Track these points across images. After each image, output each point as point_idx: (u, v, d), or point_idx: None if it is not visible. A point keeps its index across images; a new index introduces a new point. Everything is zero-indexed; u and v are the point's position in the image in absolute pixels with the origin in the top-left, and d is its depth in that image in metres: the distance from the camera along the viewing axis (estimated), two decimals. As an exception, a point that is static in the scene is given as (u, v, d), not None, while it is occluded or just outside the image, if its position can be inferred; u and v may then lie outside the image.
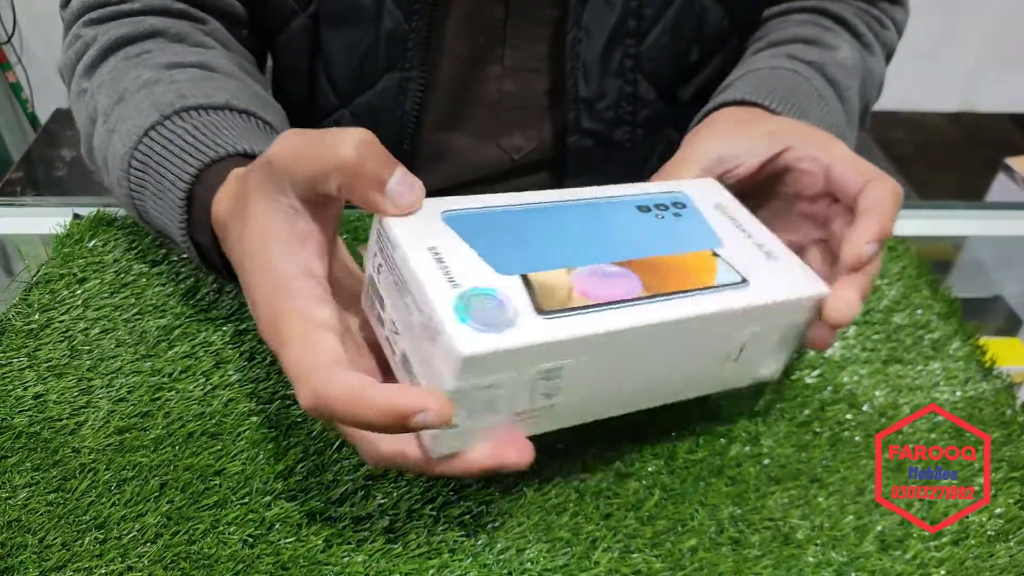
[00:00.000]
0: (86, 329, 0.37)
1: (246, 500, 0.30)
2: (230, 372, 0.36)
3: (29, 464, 0.31)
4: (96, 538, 0.29)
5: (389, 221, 0.26)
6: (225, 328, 0.38)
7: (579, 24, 0.44)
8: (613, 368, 0.27)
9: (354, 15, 0.45)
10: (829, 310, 0.30)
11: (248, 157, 0.33)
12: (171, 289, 0.40)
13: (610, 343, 0.25)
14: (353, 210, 0.46)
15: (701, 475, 0.33)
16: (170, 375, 0.35)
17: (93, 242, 0.42)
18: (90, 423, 0.33)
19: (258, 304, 0.26)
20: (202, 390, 0.35)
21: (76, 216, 0.45)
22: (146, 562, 0.28)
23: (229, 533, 0.29)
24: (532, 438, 0.27)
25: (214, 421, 0.33)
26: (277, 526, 0.30)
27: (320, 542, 0.29)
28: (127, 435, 0.33)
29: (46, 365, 0.35)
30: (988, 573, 0.30)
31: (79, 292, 0.39)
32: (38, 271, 0.41)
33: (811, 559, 0.30)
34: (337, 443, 0.33)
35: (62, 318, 0.38)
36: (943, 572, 0.30)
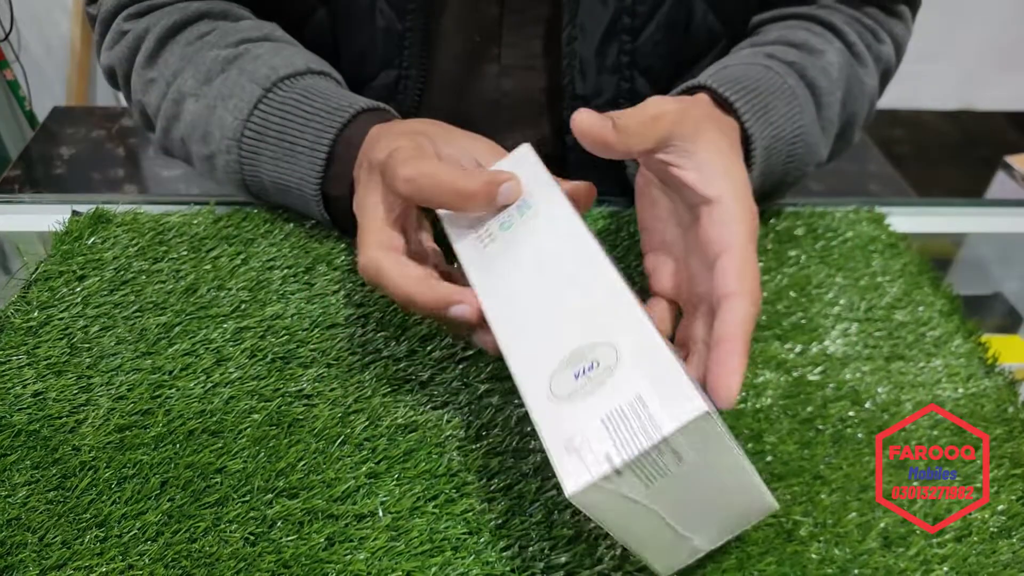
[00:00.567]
0: (85, 327, 0.37)
1: (247, 498, 0.30)
2: (231, 370, 0.35)
3: (29, 462, 0.31)
4: (96, 536, 0.29)
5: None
6: (226, 325, 0.37)
7: (574, 21, 0.44)
8: None
9: (352, 12, 0.45)
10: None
11: (369, 111, 0.40)
12: (171, 286, 0.39)
13: None
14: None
15: (704, 472, 0.33)
16: (170, 373, 0.35)
17: (92, 239, 0.42)
18: (90, 421, 0.33)
19: (387, 146, 0.33)
20: (203, 388, 0.35)
21: (75, 213, 0.45)
22: (147, 560, 0.28)
23: (230, 531, 0.29)
24: (530, 438, 0.27)
25: (215, 419, 0.33)
26: (279, 524, 0.30)
27: (322, 540, 0.29)
28: (127, 433, 0.32)
29: (45, 363, 0.35)
30: (991, 570, 0.30)
31: (78, 289, 0.39)
32: (37, 268, 0.41)
33: (814, 556, 0.30)
34: (339, 440, 0.33)
35: (61, 315, 0.38)
36: (946, 569, 0.30)
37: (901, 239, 0.48)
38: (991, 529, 0.32)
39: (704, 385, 0.27)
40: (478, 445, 0.33)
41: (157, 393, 0.34)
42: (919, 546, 0.31)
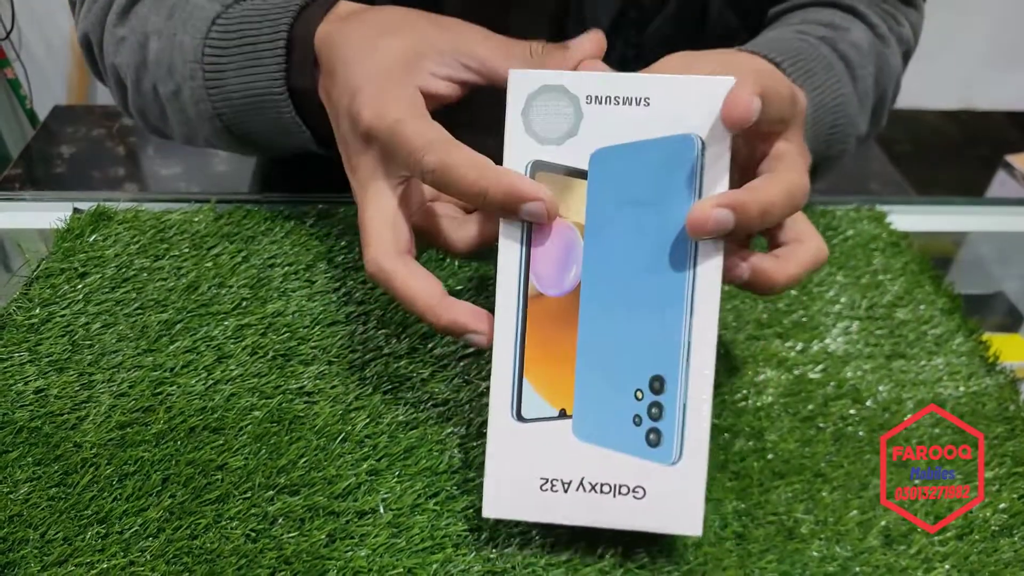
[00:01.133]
0: (87, 324, 0.37)
1: (248, 495, 0.30)
2: (232, 367, 0.35)
3: (30, 459, 0.31)
4: (98, 533, 0.29)
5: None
6: (227, 323, 0.37)
7: (580, 14, 0.44)
8: None
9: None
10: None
11: None
12: (172, 284, 0.39)
13: None
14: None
15: (705, 470, 0.33)
16: (172, 370, 0.35)
17: (94, 237, 0.42)
18: (91, 418, 0.33)
19: (363, 87, 0.29)
20: (204, 385, 0.35)
21: (76, 211, 0.45)
22: (148, 557, 0.28)
23: (231, 528, 0.29)
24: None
25: (216, 416, 0.33)
26: (280, 521, 0.30)
27: (323, 537, 0.29)
28: (129, 430, 0.32)
29: (47, 360, 0.35)
30: (992, 568, 0.30)
31: (80, 287, 0.39)
32: (38, 266, 0.41)
33: (815, 554, 0.30)
34: (340, 437, 0.33)
35: (63, 313, 0.38)
36: (947, 567, 0.30)
37: (902, 237, 0.48)
38: (992, 527, 0.32)
39: None
40: (479, 442, 0.33)
41: (158, 390, 0.34)
42: (920, 544, 0.31)
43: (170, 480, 0.31)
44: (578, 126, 0.26)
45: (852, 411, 0.36)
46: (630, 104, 0.26)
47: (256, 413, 0.33)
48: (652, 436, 0.27)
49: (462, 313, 0.28)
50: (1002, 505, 0.33)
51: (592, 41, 0.30)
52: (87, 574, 0.28)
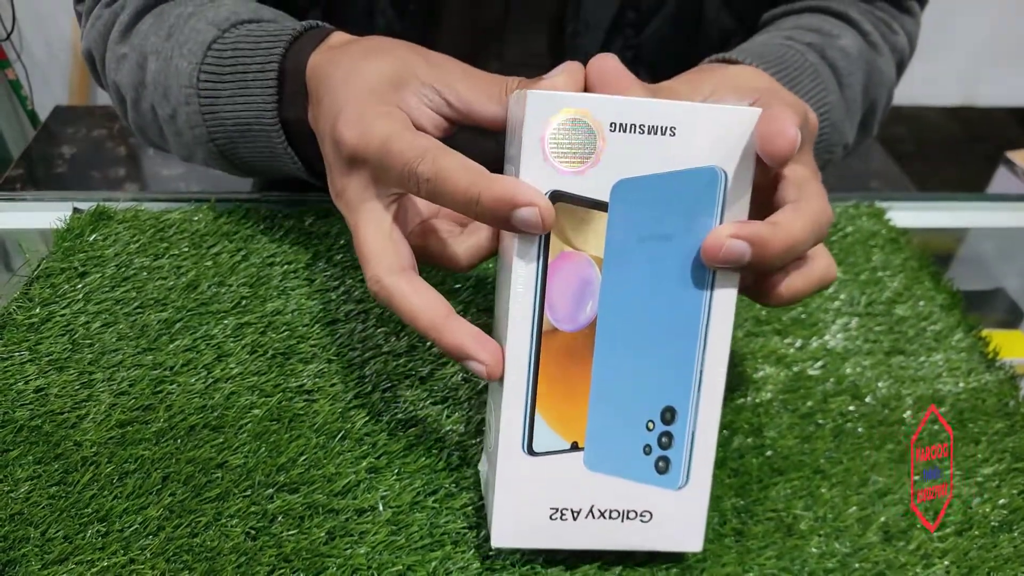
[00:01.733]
0: (87, 323, 0.37)
1: (248, 493, 0.30)
2: (232, 365, 0.35)
3: (31, 457, 0.31)
4: (98, 531, 0.29)
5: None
6: (227, 322, 0.38)
7: (578, 16, 0.44)
8: None
9: (348, 13, 0.44)
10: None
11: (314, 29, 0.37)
12: (172, 283, 0.39)
13: None
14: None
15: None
16: (171, 368, 0.35)
17: (93, 236, 0.42)
18: (91, 416, 0.33)
19: (344, 108, 0.29)
20: (203, 383, 0.35)
21: (76, 211, 0.45)
22: (148, 555, 0.28)
23: (231, 526, 0.29)
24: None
25: (216, 414, 0.33)
26: (279, 518, 0.30)
27: (323, 534, 0.29)
28: (129, 428, 0.32)
29: (47, 359, 0.35)
30: (992, 564, 0.30)
31: (80, 286, 0.39)
32: (38, 266, 0.41)
33: (814, 550, 0.30)
34: (339, 435, 0.33)
35: (63, 312, 0.38)
36: (947, 563, 0.30)
37: (901, 234, 0.48)
38: (992, 523, 0.32)
39: None
40: (478, 440, 0.33)
41: (158, 389, 0.34)
42: (920, 540, 0.31)
43: (170, 478, 0.31)
44: (601, 155, 0.25)
45: (851, 407, 0.36)
46: (655, 133, 0.25)
47: (256, 411, 0.34)
48: (661, 464, 0.27)
49: (466, 337, 0.26)
50: (1001, 501, 0.33)
51: (568, 73, 0.28)
52: (88, 572, 0.28)
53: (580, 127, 0.25)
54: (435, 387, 0.35)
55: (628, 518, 0.27)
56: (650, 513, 0.27)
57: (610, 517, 0.27)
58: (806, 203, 0.27)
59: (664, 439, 0.27)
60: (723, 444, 0.34)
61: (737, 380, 0.37)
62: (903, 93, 0.50)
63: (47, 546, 0.28)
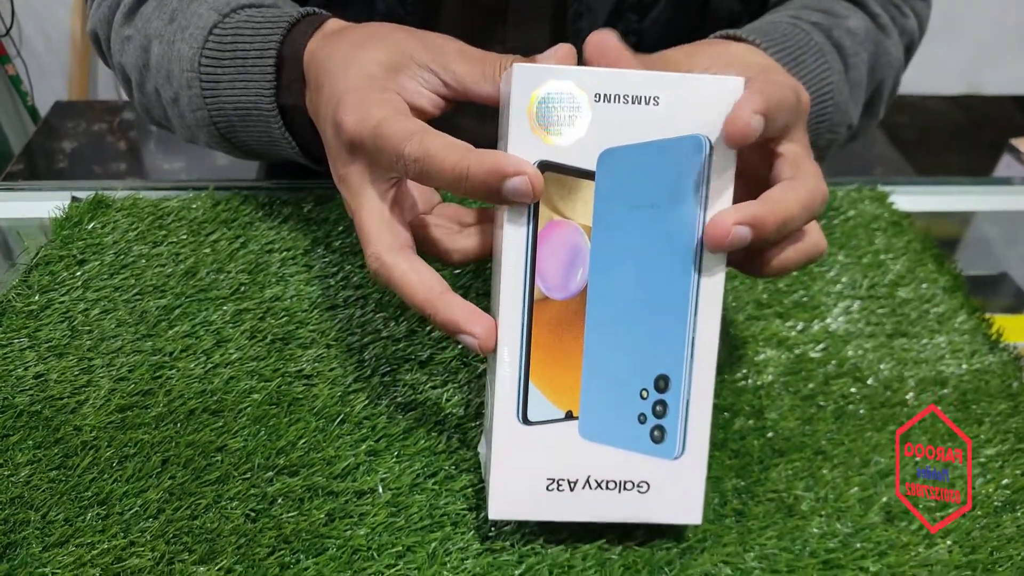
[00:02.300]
0: (86, 310, 0.37)
1: (248, 475, 0.30)
2: (231, 350, 0.35)
3: (31, 442, 0.31)
4: (98, 514, 0.29)
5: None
6: (225, 308, 0.38)
7: (580, 0, 0.44)
8: None
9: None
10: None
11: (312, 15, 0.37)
12: (171, 269, 0.39)
13: None
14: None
15: (704, 448, 0.33)
16: (171, 354, 0.35)
17: (92, 224, 0.42)
18: (91, 402, 0.33)
19: (345, 94, 0.29)
20: (203, 368, 0.35)
21: (75, 199, 0.45)
22: (148, 537, 0.28)
23: (231, 508, 0.29)
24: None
25: (215, 398, 0.33)
26: (279, 501, 0.30)
27: (322, 516, 0.29)
28: (128, 413, 0.32)
29: (47, 345, 0.35)
30: (995, 543, 0.30)
31: (79, 273, 0.39)
32: (37, 253, 0.41)
33: (815, 530, 0.30)
34: (339, 419, 0.33)
35: (62, 299, 0.38)
36: (949, 543, 0.30)
37: (904, 217, 0.47)
38: (995, 503, 0.32)
39: None
40: (477, 423, 0.33)
41: (158, 374, 0.34)
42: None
43: (170, 462, 0.31)
44: (586, 125, 0.25)
45: (853, 389, 0.36)
46: (639, 103, 0.25)
47: (255, 396, 0.33)
48: (656, 433, 0.27)
49: (460, 312, 0.27)
50: (1004, 481, 0.32)
51: (561, 55, 0.28)
52: (88, 554, 0.28)
53: (565, 98, 0.25)
54: (434, 371, 0.35)
55: (625, 489, 0.27)
56: (647, 484, 0.27)
57: (607, 488, 0.27)
58: (801, 181, 0.27)
59: (659, 407, 0.27)
60: (724, 426, 0.34)
61: (738, 362, 0.37)
62: (906, 81, 0.50)
63: (48, 529, 0.28)
